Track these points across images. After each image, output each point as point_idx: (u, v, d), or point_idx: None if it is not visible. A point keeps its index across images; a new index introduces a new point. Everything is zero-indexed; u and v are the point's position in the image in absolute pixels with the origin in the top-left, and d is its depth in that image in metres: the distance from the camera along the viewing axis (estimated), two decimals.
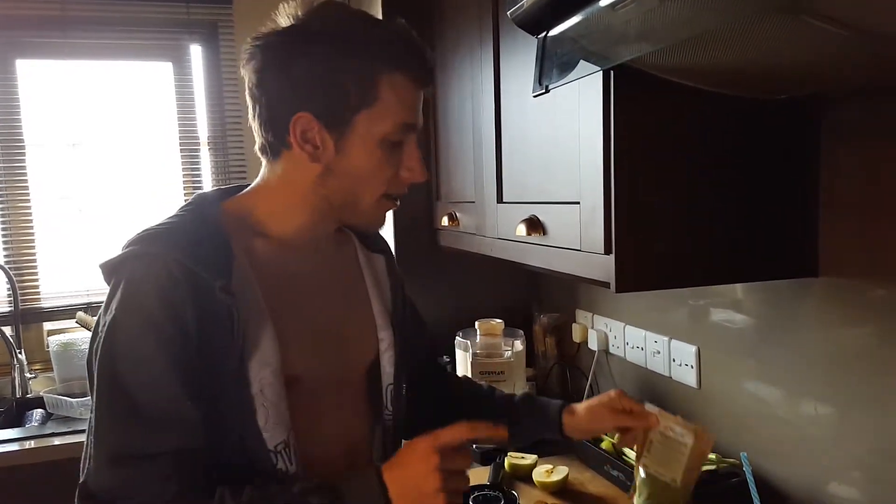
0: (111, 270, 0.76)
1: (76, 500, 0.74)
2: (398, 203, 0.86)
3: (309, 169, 0.82)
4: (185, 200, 0.88)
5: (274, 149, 0.82)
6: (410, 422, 0.99)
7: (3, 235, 2.09)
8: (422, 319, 1.12)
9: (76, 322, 2.01)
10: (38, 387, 2.00)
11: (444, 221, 1.63)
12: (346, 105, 0.79)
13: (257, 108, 0.81)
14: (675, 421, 0.95)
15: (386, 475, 0.73)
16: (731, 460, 1.17)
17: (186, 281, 0.73)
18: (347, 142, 0.80)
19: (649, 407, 0.94)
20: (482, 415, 0.84)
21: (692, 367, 1.30)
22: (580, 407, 1.01)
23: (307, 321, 0.85)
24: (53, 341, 2.00)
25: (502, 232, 1.30)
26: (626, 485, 1.22)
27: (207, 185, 2.22)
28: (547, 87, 0.90)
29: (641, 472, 0.97)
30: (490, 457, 1.30)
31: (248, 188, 0.88)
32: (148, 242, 0.76)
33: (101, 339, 0.74)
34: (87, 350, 0.78)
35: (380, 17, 1.77)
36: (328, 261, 0.92)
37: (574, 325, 1.72)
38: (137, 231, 0.78)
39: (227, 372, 0.75)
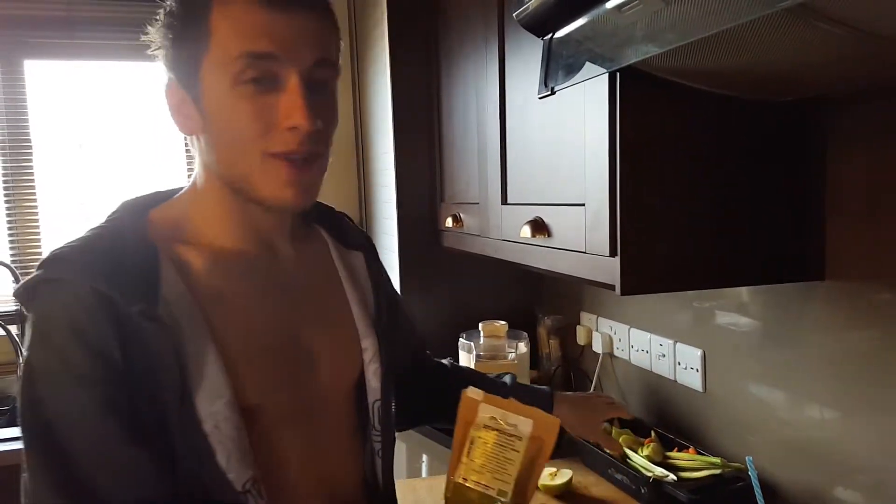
0: (22, 300, 0.64)
1: None
2: (297, 166, 0.68)
3: (200, 150, 0.71)
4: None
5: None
6: (401, 416, 0.91)
7: (10, 234, 2.10)
8: (406, 314, 1.03)
9: None
10: None
11: (448, 223, 1.63)
12: (188, 55, 0.67)
13: None
14: (505, 406, 0.72)
15: None
16: (737, 464, 1.17)
17: (103, 309, 0.61)
18: (205, 101, 0.68)
19: (472, 392, 0.72)
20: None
21: (697, 370, 1.29)
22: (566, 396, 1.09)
23: (261, 341, 0.72)
24: None
25: (506, 233, 1.30)
26: (632, 489, 1.22)
27: None
28: (552, 88, 0.90)
29: (457, 478, 0.72)
30: None
31: (182, 191, 0.76)
32: (55, 265, 0.64)
33: (20, 386, 0.62)
34: None
35: (384, 15, 1.77)
36: (290, 266, 0.79)
37: (578, 327, 1.71)
38: (52, 248, 0.66)
39: (172, 410, 0.63)
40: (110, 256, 0.65)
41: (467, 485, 0.71)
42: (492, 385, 1.07)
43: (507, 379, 1.09)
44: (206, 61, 0.66)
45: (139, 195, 0.76)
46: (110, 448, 0.62)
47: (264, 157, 0.67)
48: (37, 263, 0.65)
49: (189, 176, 0.78)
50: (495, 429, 0.71)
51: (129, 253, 0.66)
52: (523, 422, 0.70)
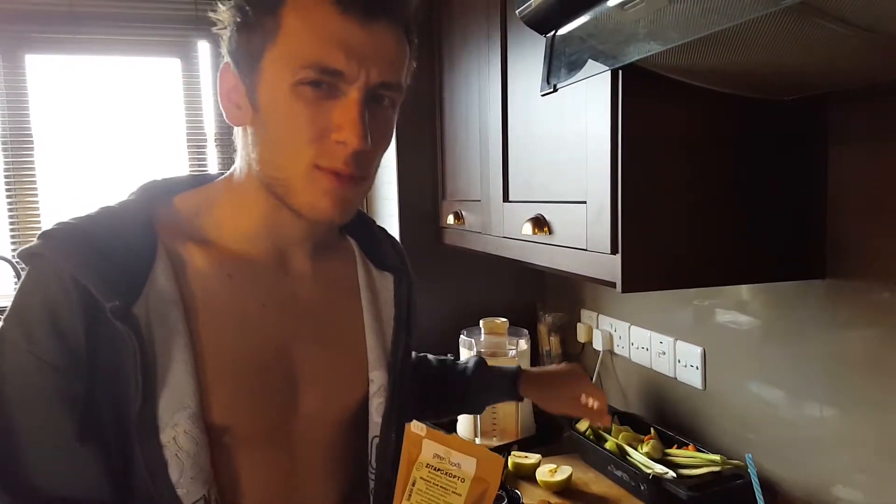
0: (24, 262, 0.63)
1: None
2: (343, 180, 0.63)
3: (244, 143, 0.67)
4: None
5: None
6: None
7: (11, 229, 2.10)
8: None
9: None
10: None
11: (450, 220, 1.63)
12: (250, 41, 0.62)
13: None
14: (449, 443, 0.67)
15: None
16: (736, 462, 1.17)
17: (79, 298, 0.59)
18: (260, 93, 0.63)
19: (415, 427, 0.68)
20: (444, 396, 0.94)
21: (697, 368, 1.30)
22: (534, 375, 1.07)
23: (244, 356, 0.67)
24: None
25: (508, 231, 1.30)
26: (631, 485, 1.22)
27: None
28: (555, 85, 0.90)
29: None
30: None
31: (218, 179, 0.72)
32: (52, 240, 0.61)
33: None
34: None
35: None
36: (299, 280, 0.73)
37: (579, 324, 1.72)
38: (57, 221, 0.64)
39: (133, 414, 0.60)
40: (102, 243, 0.61)
41: None
42: (452, 371, 1.07)
43: (470, 363, 1.06)
44: (269, 54, 0.62)
45: (171, 176, 0.73)
46: (59, 440, 0.59)
47: (311, 168, 0.63)
48: None
49: (190, 171, 0.75)
50: (438, 468, 0.66)
51: (124, 242, 0.62)
52: (467, 461, 0.66)
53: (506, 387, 1.06)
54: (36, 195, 2.11)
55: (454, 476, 0.66)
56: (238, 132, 0.69)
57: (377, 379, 0.76)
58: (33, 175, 2.11)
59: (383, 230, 0.87)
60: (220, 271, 0.67)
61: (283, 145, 0.63)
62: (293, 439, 0.71)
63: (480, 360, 1.08)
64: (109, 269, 0.60)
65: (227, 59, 0.66)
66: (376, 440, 0.76)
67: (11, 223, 2.10)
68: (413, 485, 0.67)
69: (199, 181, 0.73)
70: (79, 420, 0.59)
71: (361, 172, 0.64)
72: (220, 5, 0.66)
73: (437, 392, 1.05)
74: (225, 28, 0.65)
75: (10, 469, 0.59)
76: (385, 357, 0.77)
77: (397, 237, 1.83)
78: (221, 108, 0.67)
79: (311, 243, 0.74)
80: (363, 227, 0.83)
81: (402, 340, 0.80)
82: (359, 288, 0.78)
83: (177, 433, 0.61)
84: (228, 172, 0.71)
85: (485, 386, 1.05)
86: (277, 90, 0.62)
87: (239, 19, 0.63)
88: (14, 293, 0.62)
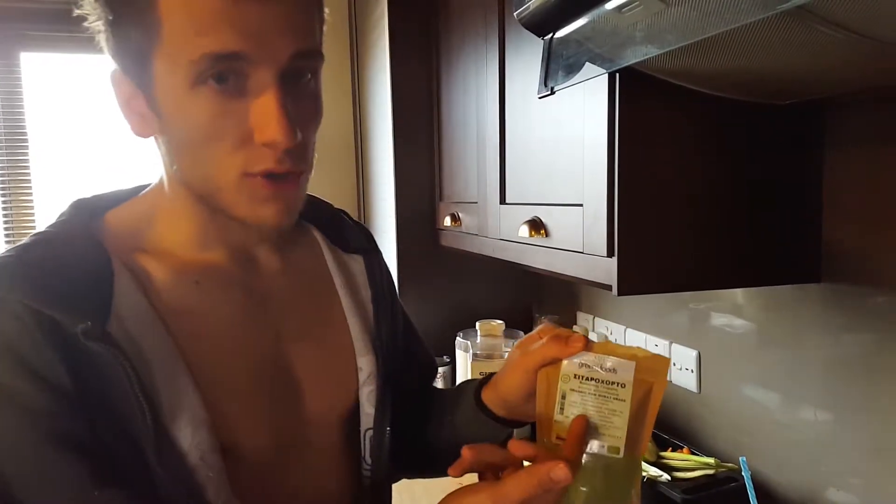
0: None
1: None
2: (280, 181, 0.56)
3: (162, 154, 0.60)
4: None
5: None
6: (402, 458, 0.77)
7: (6, 229, 2.09)
8: (415, 331, 0.87)
9: None
10: None
11: (447, 222, 1.63)
12: (130, 39, 0.54)
13: None
14: (602, 349, 0.59)
15: None
16: (730, 465, 1.17)
17: (44, 330, 0.51)
18: (159, 99, 0.55)
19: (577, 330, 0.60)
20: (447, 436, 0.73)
21: (692, 371, 1.30)
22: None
23: (236, 363, 0.61)
24: None
25: (504, 233, 1.30)
26: None
27: None
28: (552, 88, 0.90)
29: (553, 438, 0.60)
30: None
31: (146, 189, 0.66)
32: None
33: None
34: None
35: (385, 16, 1.77)
36: (272, 275, 0.68)
37: (575, 327, 1.72)
38: None
39: (147, 444, 0.52)
40: (51, 266, 0.54)
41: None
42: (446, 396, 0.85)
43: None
44: (157, 55, 0.53)
45: (95, 194, 0.65)
46: (74, 491, 0.50)
47: (242, 176, 0.55)
48: None
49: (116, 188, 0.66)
50: (589, 378, 0.59)
51: (74, 262, 0.55)
52: (623, 365, 0.58)
53: (471, 394, 0.76)
54: (30, 194, 2.10)
55: (612, 383, 0.58)
56: (153, 141, 0.61)
57: (365, 366, 0.70)
58: (28, 174, 2.10)
59: (343, 213, 0.81)
60: (186, 279, 0.61)
61: (202, 156, 0.55)
62: (300, 447, 0.66)
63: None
64: (66, 292, 0.53)
65: (113, 66, 0.58)
66: (370, 433, 0.71)
67: (6, 222, 2.09)
68: (563, 398, 0.59)
69: (127, 195, 0.66)
70: (91, 463, 0.51)
71: (298, 167, 0.57)
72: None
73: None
74: (98, 30, 0.57)
75: None
76: (370, 341, 0.72)
77: (394, 239, 1.83)
78: (126, 120, 0.60)
79: (272, 240, 0.69)
80: (321, 213, 0.78)
81: (386, 321, 0.74)
82: (331, 275, 0.73)
83: (203, 451, 0.55)
84: (157, 181, 0.64)
85: (454, 401, 0.80)
86: (177, 94, 0.53)
87: (111, 17, 0.55)
88: None
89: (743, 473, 0.98)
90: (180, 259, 0.62)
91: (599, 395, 0.59)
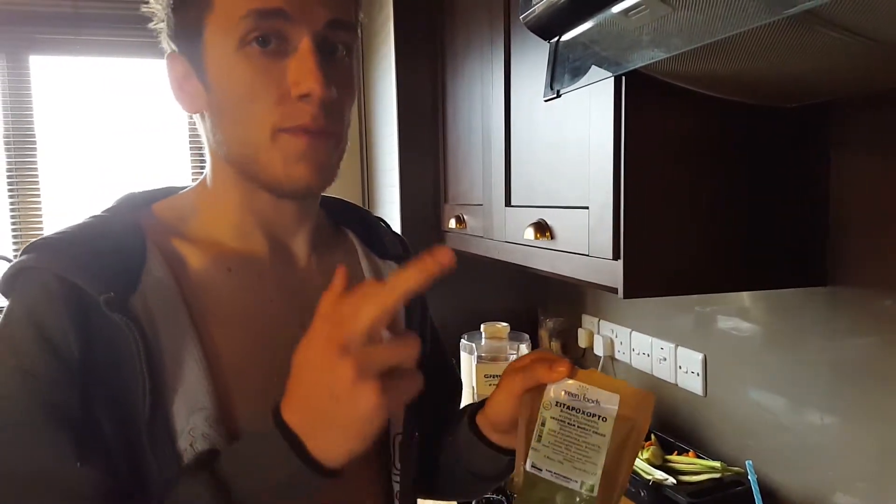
0: (3, 287, 0.58)
1: None
2: (314, 137, 0.59)
3: (207, 132, 0.64)
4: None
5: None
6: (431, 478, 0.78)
7: (13, 231, 2.11)
8: (446, 350, 0.88)
9: None
10: None
11: (452, 224, 1.63)
12: (187, 16, 0.60)
13: None
14: (586, 379, 0.58)
15: (286, 414, 0.50)
16: (736, 468, 1.17)
17: (66, 298, 0.54)
18: (209, 69, 0.60)
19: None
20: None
21: (698, 374, 1.30)
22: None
23: (256, 354, 0.62)
24: None
25: (510, 235, 1.30)
26: (631, 491, 1.22)
27: None
28: (558, 91, 0.90)
29: (527, 466, 0.58)
30: None
31: (191, 186, 0.70)
32: (33, 252, 0.57)
33: None
34: None
35: (391, 18, 1.77)
36: (306, 272, 0.69)
37: (580, 329, 1.72)
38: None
39: (141, 420, 0.53)
40: (88, 244, 0.58)
41: (540, 475, 0.58)
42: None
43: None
44: (209, 23, 0.59)
45: (146, 189, 0.70)
46: (54, 461, 0.52)
47: (275, 134, 0.59)
48: None
49: (193, 173, 0.73)
50: (572, 407, 0.57)
51: (111, 241, 0.59)
52: (607, 397, 0.57)
53: (467, 417, 0.74)
54: (38, 196, 2.12)
55: (593, 415, 0.57)
56: (199, 124, 0.66)
57: None
58: (36, 176, 2.11)
59: (381, 220, 0.84)
60: (219, 265, 0.63)
61: (242, 117, 0.59)
62: None
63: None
64: (99, 265, 0.56)
65: (169, 49, 0.64)
66: (399, 437, 0.71)
67: (14, 224, 2.10)
68: (543, 425, 0.58)
69: (174, 190, 0.71)
70: (74, 439, 0.52)
71: (332, 127, 0.60)
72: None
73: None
74: (161, 19, 0.63)
75: None
76: None
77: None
78: (176, 99, 0.64)
79: (308, 234, 0.70)
80: (360, 218, 0.80)
81: (416, 326, 0.75)
82: (364, 279, 0.74)
83: (194, 438, 0.55)
84: (201, 179, 0.69)
85: (457, 421, 0.78)
86: (224, 58, 0.59)
87: (172, 1, 0.61)
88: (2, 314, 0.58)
89: (749, 477, 0.98)
90: (217, 247, 0.64)
91: (579, 427, 0.57)
